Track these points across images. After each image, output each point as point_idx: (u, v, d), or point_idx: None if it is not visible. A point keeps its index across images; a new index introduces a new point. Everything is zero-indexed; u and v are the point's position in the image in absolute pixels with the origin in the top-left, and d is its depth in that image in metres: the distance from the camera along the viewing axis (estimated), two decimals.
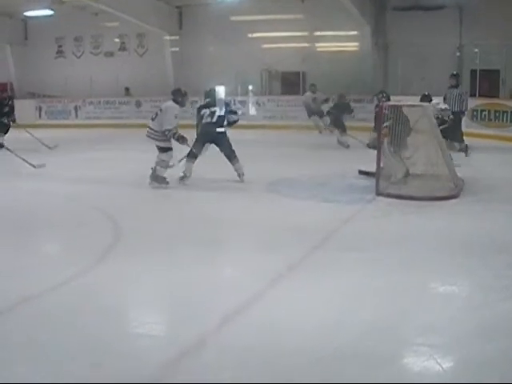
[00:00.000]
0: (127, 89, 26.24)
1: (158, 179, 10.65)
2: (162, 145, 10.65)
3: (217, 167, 11.39)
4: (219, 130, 10.99)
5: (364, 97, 21.81)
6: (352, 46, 24.33)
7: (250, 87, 25.04)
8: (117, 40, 27.12)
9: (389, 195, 9.66)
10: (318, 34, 24.18)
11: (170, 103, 10.83)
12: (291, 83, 24.46)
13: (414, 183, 10.22)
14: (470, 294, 5.91)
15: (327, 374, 4.12)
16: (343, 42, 24.30)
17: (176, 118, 10.62)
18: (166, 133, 10.50)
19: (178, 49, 26.05)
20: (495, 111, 18.39)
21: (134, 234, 7.74)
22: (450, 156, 10.85)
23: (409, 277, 5.99)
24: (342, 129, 16.87)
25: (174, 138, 10.61)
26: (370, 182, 10.25)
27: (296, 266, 6.38)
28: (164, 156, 10.64)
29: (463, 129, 15.69)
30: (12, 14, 26.47)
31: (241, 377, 4.10)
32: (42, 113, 25.89)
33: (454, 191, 9.82)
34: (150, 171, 10.68)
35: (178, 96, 10.89)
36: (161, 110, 10.79)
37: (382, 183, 9.91)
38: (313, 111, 20.77)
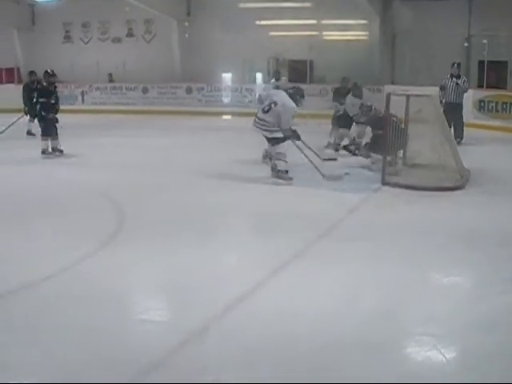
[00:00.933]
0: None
1: (280, 175, 10.13)
2: (276, 135, 10.10)
3: (218, 155, 11.41)
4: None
5: (371, 86, 21.75)
6: (360, 35, 24.21)
7: (259, 75, 24.97)
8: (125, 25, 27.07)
9: (394, 185, 9.66)
10: (325, 22, 24.08)
11: (289, 102, 10.26)
12: (298, 71, 24.37)
13: (419, 173, 10.19)
14: (472, 286, 5.94)
15: (328, 362, 4.13)
16: (351, 31, 24.18)
17: (293, 118, 10.33)
18: (286, 133, 10.12)
19: (185, 35, 25.98)
20: (502, 103, 18.31)
21: (138, 221, 7.77)
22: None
23: (412, 268, 6.01)
24: (339, 125, 13.53)
25: (291, 137, 10.26)
26: (375, 172, 10.23)
27: (300, 254, 6.39)
28: (280, 148, 10.13)
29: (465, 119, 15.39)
30: None
31: (243, 364, 4.12)
32: None
33: (459, 182, 9.80)
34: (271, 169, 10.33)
35: (298, 95, 10.53)
36: (275, 103, 10.16)
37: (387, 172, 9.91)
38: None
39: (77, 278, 5.71)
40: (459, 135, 14.57)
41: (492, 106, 18.30)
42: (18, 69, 26.73)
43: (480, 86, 19.64)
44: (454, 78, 15.02)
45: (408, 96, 10.73)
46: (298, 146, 10.56)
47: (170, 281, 5.72)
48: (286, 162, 10.14)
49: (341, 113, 13.45)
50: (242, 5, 23.82)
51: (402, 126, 10.59)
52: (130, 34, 27.11)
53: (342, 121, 13.29)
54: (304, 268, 6.00)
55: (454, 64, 15.44)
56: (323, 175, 10.17)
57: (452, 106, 14.72)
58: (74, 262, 6.07)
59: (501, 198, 9.10)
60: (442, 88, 15.00)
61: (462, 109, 15.11)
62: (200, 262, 6.16)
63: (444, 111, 13.58)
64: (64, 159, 12.30)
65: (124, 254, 6.41)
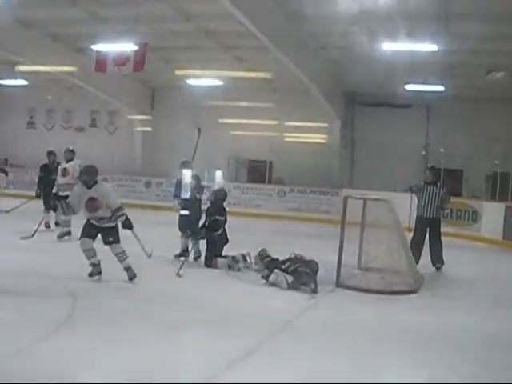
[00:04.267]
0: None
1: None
2: None
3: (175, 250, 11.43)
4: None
5: (329, 190, 22.04)
6: (321, 137, 24.68)
7: (219, 173, 25.14)
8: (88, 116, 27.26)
9: (348, 287, 9.70)
10: (288, 124, 24.52)
11: None
12: (258, 172, 24.72)
13: (374, 277, 10.26)
14: None
15: None
16: (312, 133, 24.65)
17: None
18: None
19: (148, 129, 26.25)
20: (457, 210, 18.75)
21: (91, 309, 7.69)
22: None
23: (364, 370, 5.99)
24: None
25: None
26: (330, 274, 10.19)
27: (252, 352, 6.33)
28: None
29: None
30: None
31: None
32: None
33: (413, 286, 9.90)
34: None
35: None
36: None
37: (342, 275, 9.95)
38: None
39: (29, 362, 5.59)
40: (439, 260, 12.23)
41: (447, 213, 18.61)
42: None
43: None
44: (429, 187, 12.26)
45: (365, 200, 10.90)
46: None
47: (121, 371, 5.59)
48: None
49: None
50: (205, 102, 24.05)
51: None
52: (93, 125, 27.37)
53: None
54: (255, 366, 5.95)
55: (426, 169, 13.02)
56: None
57: (428, 221, 12.24)
58: (22, 348, 5.93)
59: (453, 303, 9.30)
60: (414, 191, 12.45)
61: (440, 225, 12.43)
62: (152, 354, 6.06)
63: (417, 228, 12.24)
64: (21, 243, 12.16)
65: (75, 341, 6.29)
